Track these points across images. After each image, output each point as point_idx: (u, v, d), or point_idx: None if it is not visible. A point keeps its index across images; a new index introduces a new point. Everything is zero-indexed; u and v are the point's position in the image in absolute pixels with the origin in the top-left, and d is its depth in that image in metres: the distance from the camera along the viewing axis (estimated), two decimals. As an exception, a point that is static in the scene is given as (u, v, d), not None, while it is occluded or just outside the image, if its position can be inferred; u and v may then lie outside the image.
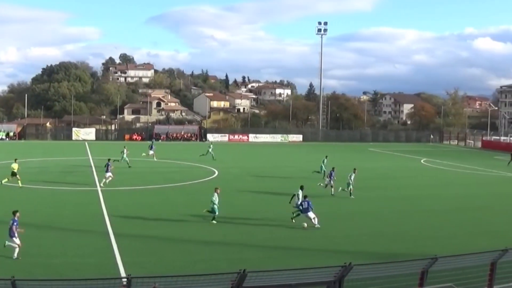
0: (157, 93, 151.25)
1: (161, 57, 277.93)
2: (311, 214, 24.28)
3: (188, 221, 25.54)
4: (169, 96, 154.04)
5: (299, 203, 25.14)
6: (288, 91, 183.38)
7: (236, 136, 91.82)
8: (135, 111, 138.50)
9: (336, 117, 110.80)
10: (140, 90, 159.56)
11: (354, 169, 34.14)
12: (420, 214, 28.68)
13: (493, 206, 31.86)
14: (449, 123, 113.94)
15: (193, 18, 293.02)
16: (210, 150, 54.17)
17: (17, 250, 18.42)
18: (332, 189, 33.78)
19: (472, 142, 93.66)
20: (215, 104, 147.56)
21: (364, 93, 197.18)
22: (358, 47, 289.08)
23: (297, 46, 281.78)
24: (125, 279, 11.40)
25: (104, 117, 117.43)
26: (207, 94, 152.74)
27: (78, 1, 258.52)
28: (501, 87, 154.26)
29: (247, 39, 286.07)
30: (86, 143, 76.07)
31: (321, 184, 35.33)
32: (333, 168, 35.38)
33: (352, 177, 33.08)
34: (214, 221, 24.86)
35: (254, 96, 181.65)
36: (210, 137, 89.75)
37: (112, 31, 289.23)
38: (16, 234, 18.51)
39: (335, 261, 14.53)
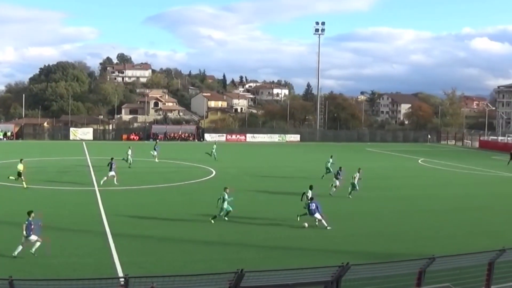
0: (155, 93, 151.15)
1: (159, 57, 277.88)
2: (317, 216, 24.33)
3: (186, 221, 25.52)
4: (167, 96, 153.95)
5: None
6: (286, 91, 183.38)
7: (234, 136, 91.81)
8: (132, 111, 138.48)
9: (333, 117, 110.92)
10: (137, 90, 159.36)
11: (359, 169, 34.36)
12: (418, 214, 28.71)
13: (491, 206, 31.90)
14: (446, 123, 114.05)
15: (191, 18, 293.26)
16: (213, 150, 54.24)
17: (37, 244, 18.60)
18: (334, 189, 33.73)
19: (470, 142, 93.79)
20: (212, 104, 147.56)
21: (362, 93, 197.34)
22: (355, 47, 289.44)
23: (294, 46, 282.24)
24: (123, 279, 11.39)
25: (102, 117, 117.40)
26: (205, 94, 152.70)
27: (75, 1, 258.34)
28: (498, 87, 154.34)
29: (245, 39, 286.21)
30: (84, 143, 75.97)
31: (331, 186, 34.55)
32: (340, 168, 35.55)
33: (356, 178, 33.24)
34: (226, 218, 25.14)
35: (251, 96, 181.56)
36: (208, 137, 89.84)
37: (110, 31, 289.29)
38: (31, 232, 18.60)
39: (334, 261, 14.52)
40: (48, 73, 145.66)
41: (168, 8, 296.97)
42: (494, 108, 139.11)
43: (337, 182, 34.22)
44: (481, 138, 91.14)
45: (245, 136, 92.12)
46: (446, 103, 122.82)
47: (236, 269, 11.72)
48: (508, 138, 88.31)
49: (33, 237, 18.65)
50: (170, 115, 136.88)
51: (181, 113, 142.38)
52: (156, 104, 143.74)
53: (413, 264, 13.80)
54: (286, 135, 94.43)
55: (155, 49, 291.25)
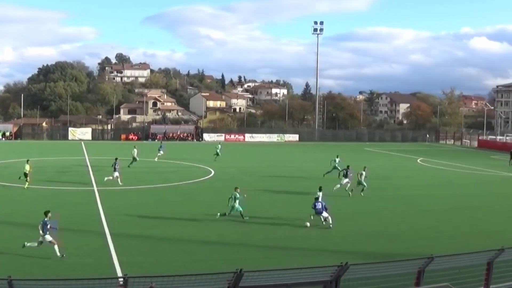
0: (153, 93, 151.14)
1: (157, 57, 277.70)
2: (324, 214, 24.57)
3: (185, 221, 25.52)
4: (165, 96, 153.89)
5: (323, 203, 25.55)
6: (284, 91, 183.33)
7: (232, 136, 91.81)
8: (131, 111, 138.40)
9: (332, 117, 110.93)
10: (136, 90, 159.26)
11: (364, 167, 34.57)
12: (417, 214, 28.73)
13: (490, 206, 31.90)
14: (445, 122, 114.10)
15: (189, 18, 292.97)
16: (218, 150, 54.34)
17: (56, 247, 18.43)
18: (347, 186, 34.04)
19: (468, 141, 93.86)
20: (211, 103, 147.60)
21: (360, 92, 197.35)
22: (354, 46, 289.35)
23: (293, 46, 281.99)
24: (122, 279, 11.39)
25: (100, 117, 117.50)
26: (203, 94, 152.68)
27: (74, 1, 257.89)
28: (497, 86, 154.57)
29: (243, 39, 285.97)
30: (82, 143, 75.96)
31: (347, 186, 34.44)
32: (348, 166, 35.79)
33: (363, 176, 33.49)
34: (247, 218, 25.35)
35: (250, 96, 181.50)
36: (207, 136, 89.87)
37: (109, 31, 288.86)
38: (47, 232, 18.57)
39: (333, 261, 14.51)
40: (46, 73, 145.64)
41: (168, 8, 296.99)
42: (492, 107, 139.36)
43: (346, 180, 34.47)
44: (480, 138, 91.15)
45: (244, 136, 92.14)
46: (445, 103, 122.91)
47: (235, 269, 11.73)
48: (507, 138, 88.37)
49: (48, 237, 18.56)
50: (168, 115, 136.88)
51: (179, 113, 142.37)
52: (154, 104, 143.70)
53: (412, 263, 13.81)
54: (285, 135, 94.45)
55: (154, 49, 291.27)
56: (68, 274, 16.68)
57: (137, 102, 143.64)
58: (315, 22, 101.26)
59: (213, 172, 44.39)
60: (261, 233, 23.58)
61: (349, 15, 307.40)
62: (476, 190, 39.14)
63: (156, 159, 51.68)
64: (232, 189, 26.23)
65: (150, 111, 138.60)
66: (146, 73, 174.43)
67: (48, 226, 18.71)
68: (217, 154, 53.98)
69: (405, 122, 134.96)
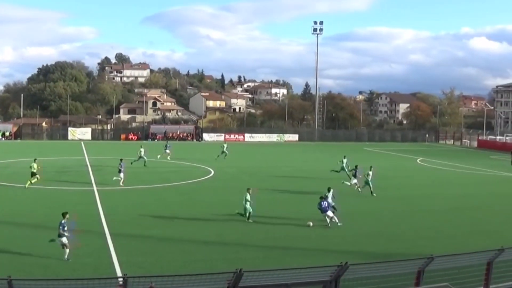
0: (153, 93, 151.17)
1: (157, 57, 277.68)
2: (329, 213, 24.73)
3: (185, 221, 25.53)
4: (165, 95, 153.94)
5: (332, 203, 25.74)
6: (284, 91, 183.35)
7: (232, 136, 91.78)
8: (131, 111, 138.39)
9: (332, 117, 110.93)
10: (136, 90, 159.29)
11: (370, 167, 34.78)
12: (417, 214, 28.72)
13: (490, 206, 31.89)
14: (445, 122, 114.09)
15: (189, 18, 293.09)
16: (224, 149, 54.46)
17: (67, 251, 18.28)
18: (356, 186, 34.39)
19: (468, 141, 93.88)
20: (211, 103, 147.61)
21: (360, 92, 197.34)
22: (354, 46, 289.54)
23: (293, 45, 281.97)
24: (121, 279, 11.39)
25: (100, 116, 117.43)
26: (203, 94, 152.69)
27: (74, 1, 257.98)
28: (497, 86, 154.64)
29: (243, 38, 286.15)
30: (82, 143, 75.98)
31: (355, 187, 34.79)
32: (356, 166, 36.05)
33: (370, 176, 33.76)
34: (250, 220, 25.22)
35: (250, 96, 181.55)
36: (206, 136, 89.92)
37: (108, 30, 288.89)
38: (65, 234, 18.38)
39: (333, 261, 14.51)
40: (46, 73, 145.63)
41: (167, 8, 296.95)
42: (492, 107, 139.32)
43: (355, 180, 34.79)
44: (480, 138, 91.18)
45: (244, 136, 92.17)
46: (445, 103, 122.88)
47: (235, 268, 11.73)
48: (507, 138, 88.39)
49: (64, 239, 18.40)
50: (168, 115, 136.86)
51: (179, 113, 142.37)
52: (154, 104, 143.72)
53: (412, 263, 13.81)
54: (285, 134, 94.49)
55: (153, 49, 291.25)
56: (68, 274, 16.67)
57: (137, 102, 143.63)
58: (315, 22, 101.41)
59: (213, 172, 44.39)
60: (261, 233, 23.58)
61: (349, 15, 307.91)
62: (476, 190, 39.13)
63: (168, 158, 52.43)
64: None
65: (150, 111, 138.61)
66: (145, 73, 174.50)
67: (65, 228, 18.36)
68: (225, 153, 53.99)
69: (404, 122, 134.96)
